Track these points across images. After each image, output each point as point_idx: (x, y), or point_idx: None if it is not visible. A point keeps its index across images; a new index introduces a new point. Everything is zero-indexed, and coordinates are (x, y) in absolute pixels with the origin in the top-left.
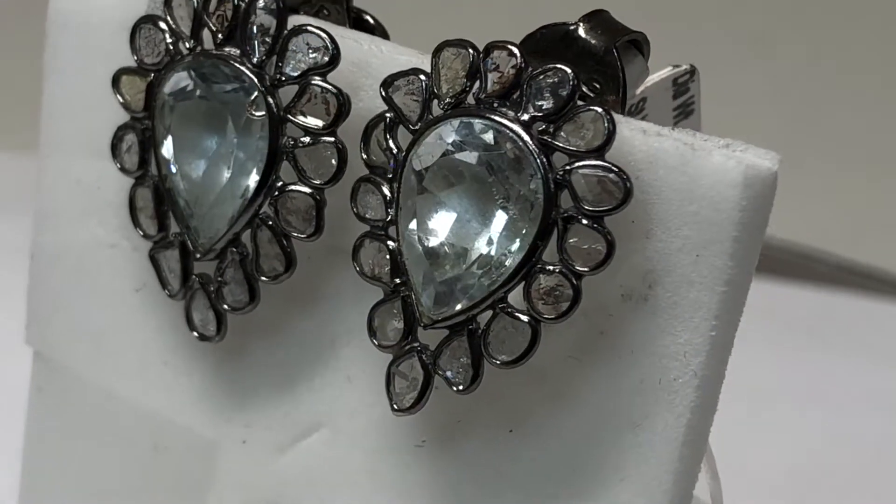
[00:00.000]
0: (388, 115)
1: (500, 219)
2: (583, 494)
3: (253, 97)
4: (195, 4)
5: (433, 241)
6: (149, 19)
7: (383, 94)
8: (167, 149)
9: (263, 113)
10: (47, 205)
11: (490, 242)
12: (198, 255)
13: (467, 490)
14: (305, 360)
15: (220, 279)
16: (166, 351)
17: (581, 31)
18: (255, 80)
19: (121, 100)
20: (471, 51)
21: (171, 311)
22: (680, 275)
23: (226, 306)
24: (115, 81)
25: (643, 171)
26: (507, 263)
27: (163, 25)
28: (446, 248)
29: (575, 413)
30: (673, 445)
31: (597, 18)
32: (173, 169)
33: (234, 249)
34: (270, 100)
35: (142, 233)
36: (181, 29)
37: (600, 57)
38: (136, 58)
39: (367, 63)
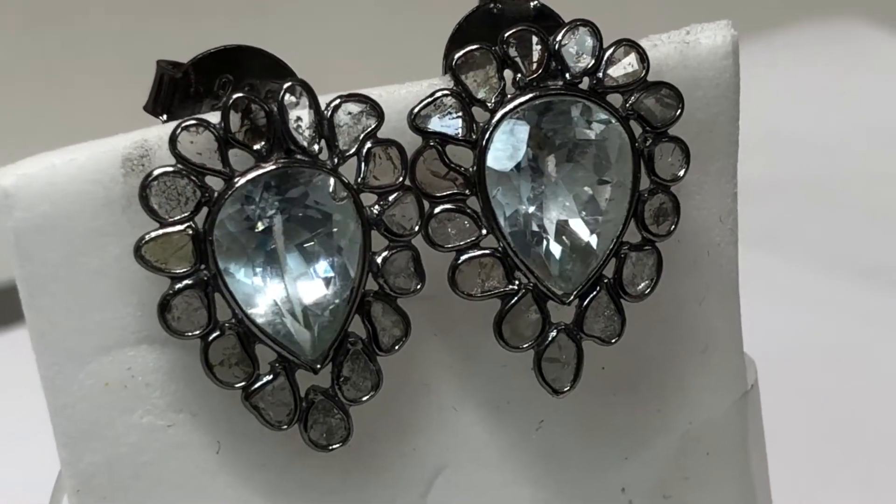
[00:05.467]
0: (431, 143)
1: (597, 176)
2: (676, 387)
3: (331, 187)
4: (215, 132)
5: (547, 222)
6: (159, 175)
7: (419, 126)
8: (242, 285)
9: (346, 194)
10: (76, 428)
11: (596, 199)
12: (318, 366)
13: (591, 432)
14: (403, 415)
15: (340, 378)
16: (271, 494)
17: (500, 4)
18: (324, 169)
19: (159, 269)
20: (486, 48)
21: (259, 454)
22: (703, 154)
23: (363, 399)
24: (139, 254)
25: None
26: (621, 206)
27: (178, 168)
28: (562, 223)
29: (642, 318)
30: (732, 299)
31: None
32: (258, 302)
33: (350, 341)
34: (345, 181)
35: (240, 384)
36: (204, 163)
37: (533, 17)
38: (158, 219)
39: None
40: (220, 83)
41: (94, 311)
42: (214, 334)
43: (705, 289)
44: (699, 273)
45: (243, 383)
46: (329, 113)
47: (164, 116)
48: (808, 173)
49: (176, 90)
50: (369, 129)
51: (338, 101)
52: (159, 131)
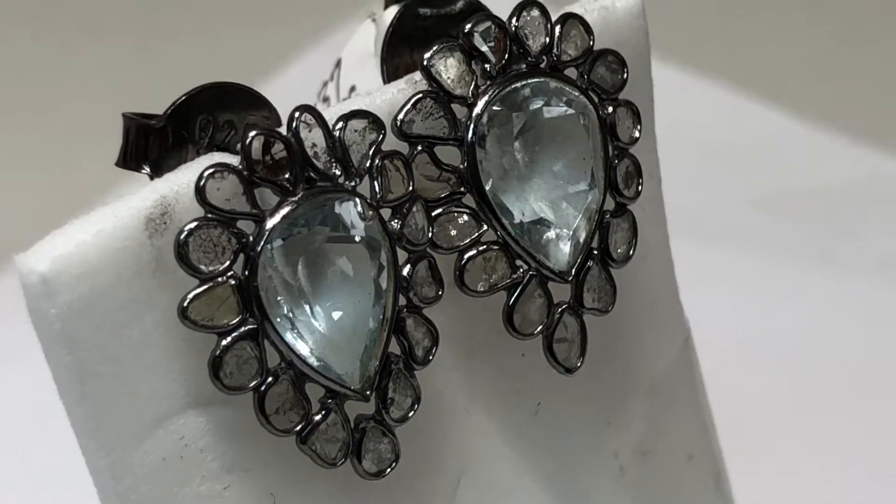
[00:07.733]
0: (419, 147)
1: (575, 152)
2: (635, 344)
3: (359, 209)
4: (241, 174)
5: (539, 205)
6: (193, 229)
7: (406, 132)
8: (283, 326)
9: (372, 213)
10: None
11: (578, 174)
12: (368, 393)
13: (578, 403)
14: (424, 427)
15: (388, 400)
16: None
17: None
18: (346, 191)
19: (207, 327)
20: (453, 43)
21: (309, 495)
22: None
23: (409, 416)
24: (185, 315)
25: None
26: (599, 177)
27: (210, 218)
28: (552, 203)
29: None
30: (665, 248)
31: None
32: (301, 340)
33: (391, 362)
34: (367, 202)
35: (298, 427)
36: (234, 209)
37: (462, 11)
38: (198, 275)
39: None
40: (200, 125)
41: (142, 385)
42: (268, 382)
43: (646, 244)
44: (640, 229)
45: (300, 426)
46: (338, 134)
47: (147, 168)
48: None
49: (148, 140)
50: (375, 144)
51: (342, 121)
52: (171, 185)
